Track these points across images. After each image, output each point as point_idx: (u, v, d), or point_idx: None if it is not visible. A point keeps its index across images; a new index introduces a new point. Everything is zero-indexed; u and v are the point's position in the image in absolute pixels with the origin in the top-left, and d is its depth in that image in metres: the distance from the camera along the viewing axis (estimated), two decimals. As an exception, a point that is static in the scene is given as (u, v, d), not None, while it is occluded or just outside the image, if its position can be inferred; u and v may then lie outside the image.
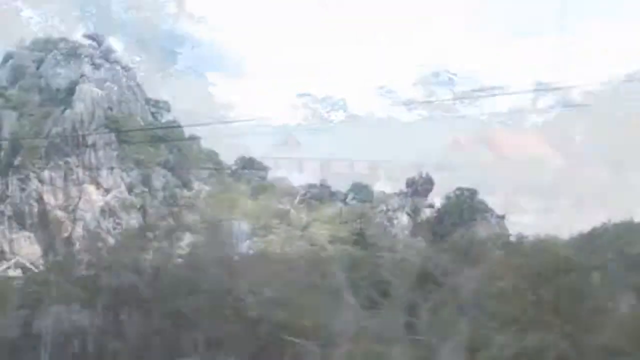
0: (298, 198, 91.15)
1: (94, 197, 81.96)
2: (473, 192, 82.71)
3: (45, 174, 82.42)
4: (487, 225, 78.21)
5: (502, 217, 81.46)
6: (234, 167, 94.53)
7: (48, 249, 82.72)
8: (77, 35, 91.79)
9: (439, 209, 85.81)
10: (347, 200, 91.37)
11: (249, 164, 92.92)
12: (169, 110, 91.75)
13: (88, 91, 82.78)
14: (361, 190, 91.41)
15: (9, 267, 76.54)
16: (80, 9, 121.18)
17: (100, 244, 65.50)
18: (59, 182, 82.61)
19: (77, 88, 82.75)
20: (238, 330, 21.32)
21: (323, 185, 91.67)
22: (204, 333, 21.19)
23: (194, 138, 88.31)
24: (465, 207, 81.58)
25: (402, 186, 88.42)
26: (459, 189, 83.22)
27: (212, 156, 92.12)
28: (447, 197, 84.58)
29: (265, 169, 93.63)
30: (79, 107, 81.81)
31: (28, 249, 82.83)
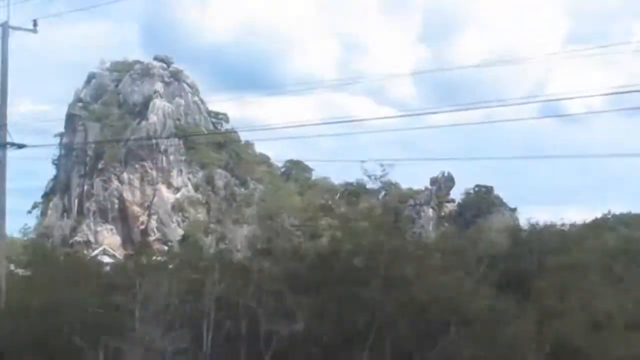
0: (338, 194, 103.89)
1: (166, 195, 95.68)
2: (489, 188, 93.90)
3: (124, 175, 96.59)
4: (502, 217, 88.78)
5: (514, 210, 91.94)
6: (282, 169, 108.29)
7: (126, 238, 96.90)
8: (149, 58, 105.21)
9: (459, 203, 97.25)
10: (379, 196, 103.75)
11: (295, 165, 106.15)
12: (227, 121, 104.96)
13: (160, 105, 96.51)
14: (390, 187, 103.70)
15: (97, 254, 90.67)
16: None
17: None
18: (136, 182, 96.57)
19: (151, 103, 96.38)
20: (409, 314, 20.97)
21: (358, 183, 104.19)
22: (377, 318, 20.68)
23: (249, 143, 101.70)
24: (483, 201, 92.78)
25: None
26: (477, 185, 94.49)
27: (264, 159, 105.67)
28: (467, 193, 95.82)
29: (309, 169, 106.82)
30: (153, 118, 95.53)
31: (110, 239, 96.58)
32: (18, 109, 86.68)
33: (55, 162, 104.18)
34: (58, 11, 66.13)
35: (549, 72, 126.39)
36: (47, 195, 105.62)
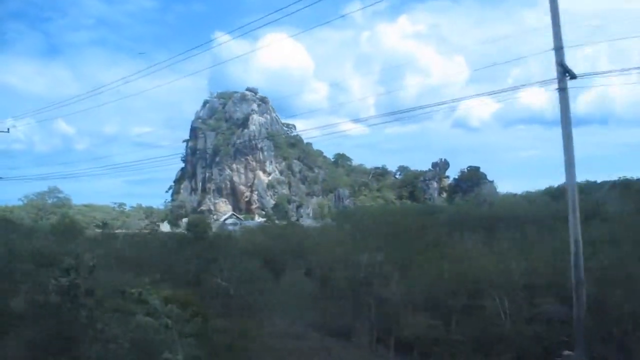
0: (370, 174, 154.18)
1: (262, 177, 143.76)
2: (477, 167, 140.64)
3: (234, 166, 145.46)
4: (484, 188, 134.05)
5: (492, 181, 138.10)
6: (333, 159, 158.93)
7: (235, 207, 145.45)
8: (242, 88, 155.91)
9: (455, 178, 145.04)
10: (397, 175, 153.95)
11: (342, 156, 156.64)
12: (295, 128, 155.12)
13: (257, 119, 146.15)
14: (404, 169, 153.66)
15: (227, 218, 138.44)
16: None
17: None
18: (242, 170, 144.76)
19: (250, 117, 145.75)
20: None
21: (383, 167, 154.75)
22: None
23: (309, 143, 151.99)
24: (474, 177, 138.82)
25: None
26: (469, 166, 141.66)
27: (320, 153, 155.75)
28: (461, 171, 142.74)
29: (350, 159, 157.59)
30: (252, 127, 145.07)
31: (224, 208, 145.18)
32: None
33: (183, 159, 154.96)
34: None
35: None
36: (178, 181, 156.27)
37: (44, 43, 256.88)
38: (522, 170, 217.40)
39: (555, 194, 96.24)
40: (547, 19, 14.31)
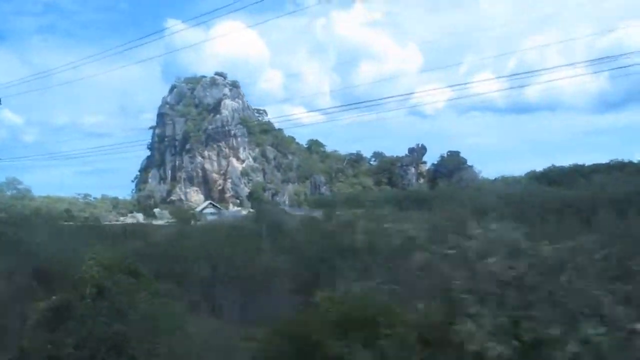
0: (345, 161, 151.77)
1: (236, 165, 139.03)
2: (457, 152, 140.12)
3: (206, 153, 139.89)
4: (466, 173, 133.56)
5: (471, 166, 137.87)
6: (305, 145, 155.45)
7: (207, 196, 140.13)
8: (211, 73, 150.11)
9: (434, 163, 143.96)
10: (371, 161, 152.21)
11: (315, 142, 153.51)
12: (267, 114, 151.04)
13: (229, 104, 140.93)
14: (379, 155, 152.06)
15: (204, 208, 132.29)
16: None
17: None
18: (214, 157, 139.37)
19: (222, 102, 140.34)
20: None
21: (358, 153, 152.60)
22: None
23: (280, 129, 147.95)
24: (453, 161, 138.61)
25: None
26: (449, 151, 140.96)
27: (292, 139, 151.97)
28: (441, 156, 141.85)
29: (323, 145, 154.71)
30: (224, 113, 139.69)
31: (196, 197, 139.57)
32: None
33: (149, 146, 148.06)
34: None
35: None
36: (144, 170, 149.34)
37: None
38: (482, 156, 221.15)
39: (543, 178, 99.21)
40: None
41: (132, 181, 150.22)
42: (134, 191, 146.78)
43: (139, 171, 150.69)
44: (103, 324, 14.12)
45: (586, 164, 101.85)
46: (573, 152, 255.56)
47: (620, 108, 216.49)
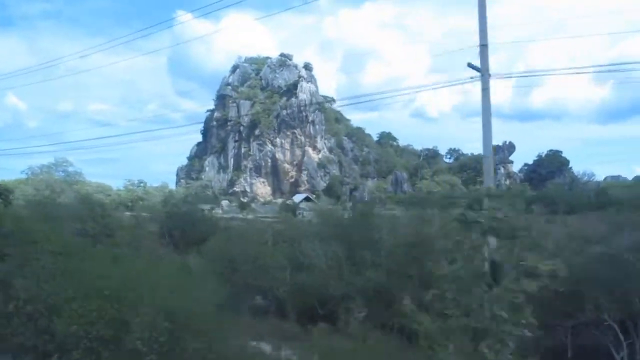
0: (421, 157, 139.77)
1: (312, 155, 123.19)
2: (559, 152, 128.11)
3: (277, 140, 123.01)
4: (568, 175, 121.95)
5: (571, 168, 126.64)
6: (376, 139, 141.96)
7: (276, 189, 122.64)
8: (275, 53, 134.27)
9: (527, 164, 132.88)
10: (445, 158, 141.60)
11: (388, 136, 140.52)
12: (335, 101, 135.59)
13: (307, 87, 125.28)
14: (455, 152, 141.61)
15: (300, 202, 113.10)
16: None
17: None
18: (287, 145, 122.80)
19: (299, 85, 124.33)
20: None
21: (433, 149, 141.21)
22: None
23: (348, 120, 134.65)
24: (555, 161, 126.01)
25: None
26: (550, 150, 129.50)
27: (362, 130, 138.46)
28: (539, 155, 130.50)
29: (395, 139, 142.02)
30: (302, 96, 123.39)
31: (262, 189, 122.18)
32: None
33: (202, 131, 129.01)
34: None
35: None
36: (193, 158, 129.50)
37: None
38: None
39: None
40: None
41: (181, 169, 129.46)
42: (181, 180, 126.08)
43: (188, 158, 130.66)
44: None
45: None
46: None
47: None
